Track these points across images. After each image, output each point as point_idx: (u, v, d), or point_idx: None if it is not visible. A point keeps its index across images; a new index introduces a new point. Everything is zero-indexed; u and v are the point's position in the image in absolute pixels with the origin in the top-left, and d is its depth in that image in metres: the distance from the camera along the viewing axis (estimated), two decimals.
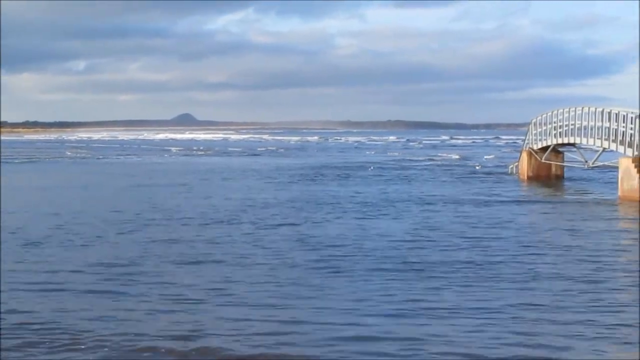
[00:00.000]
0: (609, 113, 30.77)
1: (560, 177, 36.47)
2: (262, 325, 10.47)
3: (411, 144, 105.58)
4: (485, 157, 61.34)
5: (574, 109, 33.96)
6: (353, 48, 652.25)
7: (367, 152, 73.96)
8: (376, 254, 15.92)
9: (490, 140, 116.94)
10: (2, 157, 57.87)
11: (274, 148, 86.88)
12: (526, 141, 38.46)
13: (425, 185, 34.13)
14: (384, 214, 23.03)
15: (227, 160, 58.08)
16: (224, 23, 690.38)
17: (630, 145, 28.54)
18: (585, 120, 32.85)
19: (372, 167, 46.35)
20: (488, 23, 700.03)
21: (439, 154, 66.74)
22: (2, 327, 10.36)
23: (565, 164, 37.05)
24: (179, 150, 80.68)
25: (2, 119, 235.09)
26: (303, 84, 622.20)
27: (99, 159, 61.75)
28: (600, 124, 31.46)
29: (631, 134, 28.59)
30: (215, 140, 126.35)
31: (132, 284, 13.14)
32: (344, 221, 21.42)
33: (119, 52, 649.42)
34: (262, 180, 36.93)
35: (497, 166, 47.01)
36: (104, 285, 13.05)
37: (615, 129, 30.05)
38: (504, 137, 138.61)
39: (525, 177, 36.92)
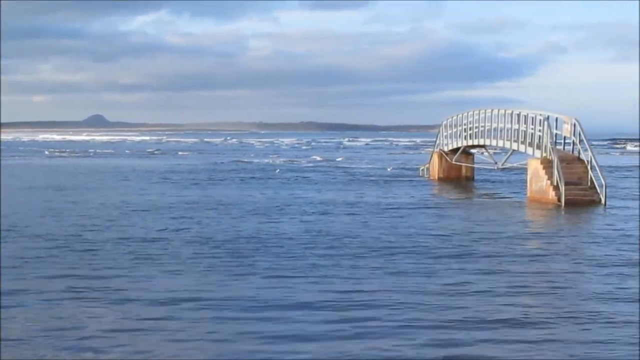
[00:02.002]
0: (518, 115, 32.08)
1: (470, 179, 37.79)
2: None
3: (297, 145, 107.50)
4: (338, 158, 63.59)
5: (483, 111, 35.24)
6: (267, 50, 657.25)
7: (250, 154, 74.45)
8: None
9: (385, 143, 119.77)
10: None
11: (152, 150, 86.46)
12: (437, 143, 39.65)
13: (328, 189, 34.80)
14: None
15: (85, 162, 57.76)
16: (138, 24, 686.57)
17: (538, 147, 29.82)
18: (495, 122, 34.14)
19: (278, 170, 46.27)
20: (401, 26, 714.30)
21: (310, 157, 67.82)
22: None
23: (475, 165, 38.39)
24: (52, 151, 78.92)
25: None
26: (217, 85, 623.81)
27: None
28: (509, 125, 32.75)
29: (539, 136, 29.86)
30: (112, 142, 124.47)
31: None
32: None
33: (32, 52, 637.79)
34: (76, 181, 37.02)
35: (406, 169, 48.07)
36: None
37: (524, 131, 31.34)
38: (400, 139, 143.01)
39: (436, 179, 38.10)
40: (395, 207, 25.73)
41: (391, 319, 10.92)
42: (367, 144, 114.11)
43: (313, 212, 23.96)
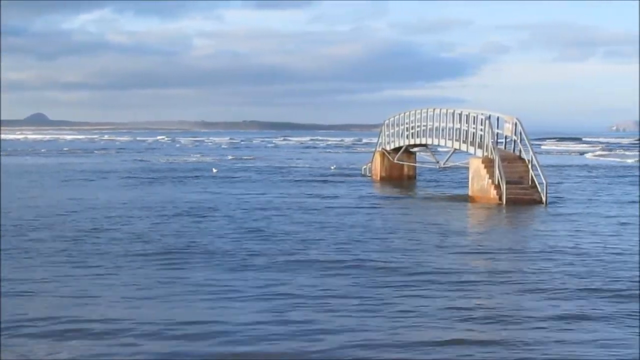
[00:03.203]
0: (460, 114, 32.34)
1: (412, 178, 38.02)
2: None
3: (226, 144, 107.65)
4: (245, 157, 64.33)
5: (425, 110, 35.45)
6: (210, 49, 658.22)
7: (170, 151, 74.09)
8: None
9: (317, 142, 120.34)
10: None
11: (68, 148, 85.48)
12: (379, 142, 39.77)
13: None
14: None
15: None
16: (81, 23, 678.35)
17: (480, 146, 30.10)
18: (437, 122, 34.35)
19: (215, 169, 45.61)
20: (344, 25, 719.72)
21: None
22: None
23: (417, 164, 38.62)
24: None
25: None
26: (160, 84, 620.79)
27: None
28: (451, 125, 32.99)
29: (481, 135, 30.13)
30: (43, 141, 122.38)
31: None
32: None
33: None
34: None
35: (350, 168, 48.22)
36: None
37: (466, 130, 31.60)
38: (331, 138, 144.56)
39: (378, 178, 38.24)
40: (328, 207, 25.72)
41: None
42: (301, 143, 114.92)
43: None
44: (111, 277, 13.67)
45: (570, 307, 11.66)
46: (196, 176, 40.06)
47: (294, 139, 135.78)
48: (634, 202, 27.82)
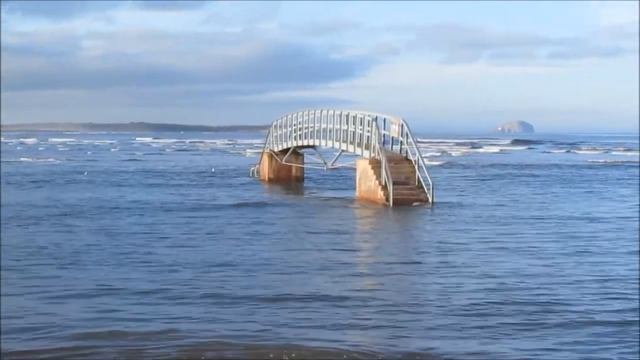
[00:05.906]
0: (347, 116, 32.78)
1: (300, 179, 38.33)
2: None
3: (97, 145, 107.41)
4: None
5: (313, 111, 35.79)
6: (100, 50, 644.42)
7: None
8: None
9: (183, 144, 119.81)
10: None
11: None
12: (267, 143, 39.94)
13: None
14: None
15: None
16: None
17: (367, 147, 30.58)
18: (324, 123, 34.72)
19: (86, 172, 44.48)
20: (235, 26, 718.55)
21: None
22: None
23: (305, 165, 38.93)
24: None
25: None
26: (49, 85, 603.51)
27: None
28: (339, 126, 33.41)
29: (368, 137, 30.63)
30: None
31: None
32: None
33: None
34: None
35: (235, 170, 48.08)
36: None
37: (353, 132, 32.06)
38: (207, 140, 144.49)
39: (267, 179, 38.40)
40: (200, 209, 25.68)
41: None
42: (164, 145, 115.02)
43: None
44: None
45: None
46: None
47: (163, 141, 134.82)
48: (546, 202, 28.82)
